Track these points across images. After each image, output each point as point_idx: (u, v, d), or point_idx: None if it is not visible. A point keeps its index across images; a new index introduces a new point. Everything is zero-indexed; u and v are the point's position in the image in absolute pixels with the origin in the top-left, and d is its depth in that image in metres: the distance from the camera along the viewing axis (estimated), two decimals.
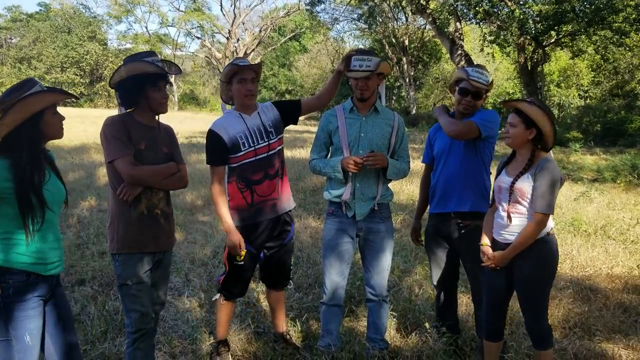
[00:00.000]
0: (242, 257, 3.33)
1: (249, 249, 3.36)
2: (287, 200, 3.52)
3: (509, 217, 2.97)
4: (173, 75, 3.16)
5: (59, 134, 2.49)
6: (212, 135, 3.31)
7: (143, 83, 2.83)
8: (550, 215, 2.91)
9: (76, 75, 44.13)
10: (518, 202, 2.94)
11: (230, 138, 3.28)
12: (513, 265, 2.99)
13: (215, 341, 3.60)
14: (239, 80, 3.29)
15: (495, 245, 3.08)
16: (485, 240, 3.14)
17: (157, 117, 3.02)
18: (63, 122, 2.51)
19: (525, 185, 2.90)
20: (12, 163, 2.30)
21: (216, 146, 3.30)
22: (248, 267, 3.44)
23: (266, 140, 3.37)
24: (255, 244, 3.40)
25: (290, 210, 3.56)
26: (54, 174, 2.52)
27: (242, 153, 3.30)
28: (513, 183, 2.94)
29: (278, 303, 3.72)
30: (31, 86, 2.36)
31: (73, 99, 2.61)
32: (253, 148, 3.32)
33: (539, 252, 2.92)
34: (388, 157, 3.34)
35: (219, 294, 3.54)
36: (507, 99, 3.16)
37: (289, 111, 3.57)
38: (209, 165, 3.36)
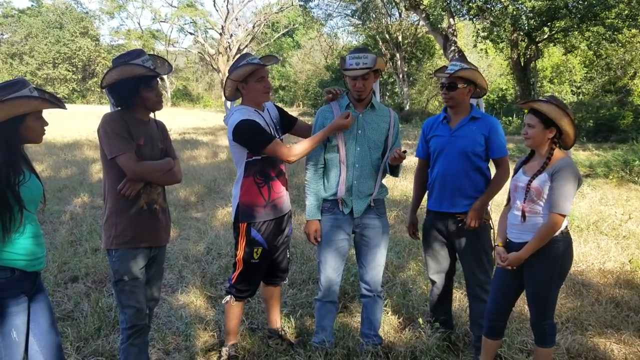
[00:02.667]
0: (258, 256, 3.34)
1: (264, 247, 3.36)
2: (288, 198, 3.56)
3: (523, 215, 2.94)
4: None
5: (38, 139, 2.47)
6: (248, 121, 3.15)
7: (136, 85, 2.82)
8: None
9: (68, 71, 43.87)
10: (533, 201, 2.92)
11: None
12: (524, 263, 2.96)
13: (231, 344, 3.52)
14: (258, 78, 3.27)
15: (508, 244, 3.07)
16: (499, 241, 3.13)
17: (149, 113, 3.02)
18: (45, 127, 2.48)
19: (541, 184, 2.88)
20: None
21: (259, 127, 3.18)
22: (263, 264, 3.43)
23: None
24: (269, 241, 3.38)
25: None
26: (31, 173, 2.49)
27: None
28: (530, 182, 2.92)
29: (274, 299, 3.71)
30: (20, 88, 2.33)
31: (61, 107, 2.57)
32: None
33: (550, 250, 2.89)
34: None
35: (229, 296, 3.47)
36: (525, 100, 3.10)
37: (286, 120, 3.59)
38: (266, 149, 3.18)
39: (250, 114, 3.25)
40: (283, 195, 3.44)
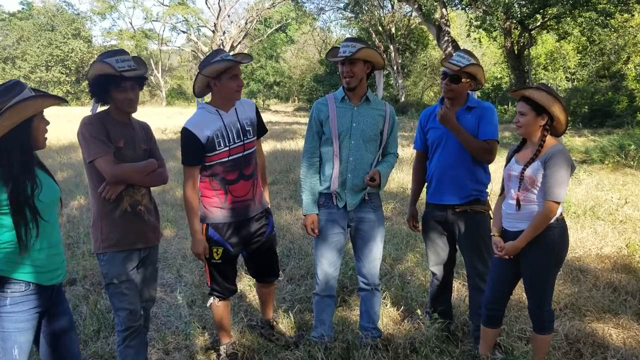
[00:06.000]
0: (219, 256, 3.30)
1: (225, 247, 3.30)
2: (261, 201, 3.45)
3: (518, 204, 2.94)
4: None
5: (43, 142, 2.39)
6: (187, 134, 3.15)
7: (106, 83, 2.80)
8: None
9: (62, 73, 43.73)
10: (527, 189, 2.91)
11: (206, 137, 3.14)
12: (520, 251, 2.97)
13: (228, 342, 3.52)
14: (231, 76, 3.16)
15: (504, 233, 3.07)
16: (495, 230, 3.13)
17: (129, 115, 2.98)
18: (47, 127, 2.40)
19: (535, 173, 2.88)
20: (4, 173, 2.20)
21: (192, 146, 3.15)
22: (227, 264, 3.38)
23: (242, 139, 3.27)
24: (231, 243, 3.31)
25: (267, 208, 3.51)
26: (45, 175, 2.42)
27: (216, 153, 3.18)
28: (523, 170, 2.91)
29: (267, 295, 3.71)
30: (20, 90, 2.24)
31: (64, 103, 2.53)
32: (227, 148, 3.20)
33: (546, 238, 2.90)
34: (380, 170, 3.32)
35: (212, 298, 3.47)
36: (515, 89, 3.10)
37: (261, 126, 3.48)
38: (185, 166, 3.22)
39: (201, 119, 3.21)
40: (248, 200, 3.33)
